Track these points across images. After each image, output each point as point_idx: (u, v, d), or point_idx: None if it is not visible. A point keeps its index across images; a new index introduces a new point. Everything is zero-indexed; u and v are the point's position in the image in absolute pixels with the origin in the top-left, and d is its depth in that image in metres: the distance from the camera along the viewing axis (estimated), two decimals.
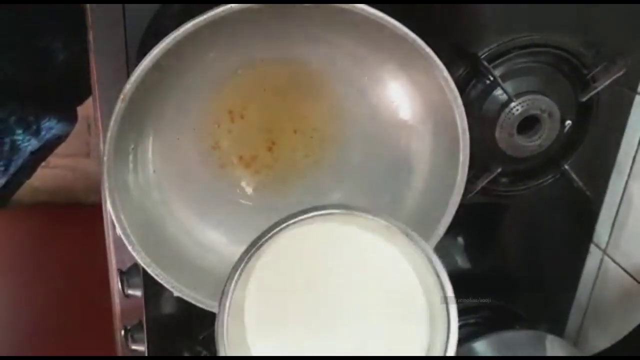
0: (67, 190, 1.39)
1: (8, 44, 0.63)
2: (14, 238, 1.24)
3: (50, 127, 0.69)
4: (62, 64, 0.68)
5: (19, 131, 0.65)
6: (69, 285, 1.19)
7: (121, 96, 0.43)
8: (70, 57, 0.69)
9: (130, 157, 0.49)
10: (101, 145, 0.57)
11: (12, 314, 1.17)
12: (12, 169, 0.68)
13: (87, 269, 1.07)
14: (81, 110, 1.32)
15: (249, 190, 0.57)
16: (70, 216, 1.34)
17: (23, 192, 1.39)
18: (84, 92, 0.70)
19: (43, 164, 1.38)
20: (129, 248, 0.48)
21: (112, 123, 0.43)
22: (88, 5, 0.52)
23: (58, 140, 0.70)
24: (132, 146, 0.48)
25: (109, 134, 0.44)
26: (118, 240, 0.60)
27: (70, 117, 0.71)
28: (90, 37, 0.54)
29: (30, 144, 0.66)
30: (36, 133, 0.67)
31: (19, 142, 0.66)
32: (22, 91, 0.65)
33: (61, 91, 0.71)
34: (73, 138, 1.35)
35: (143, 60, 0.42)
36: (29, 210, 1.32)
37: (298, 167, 0.56)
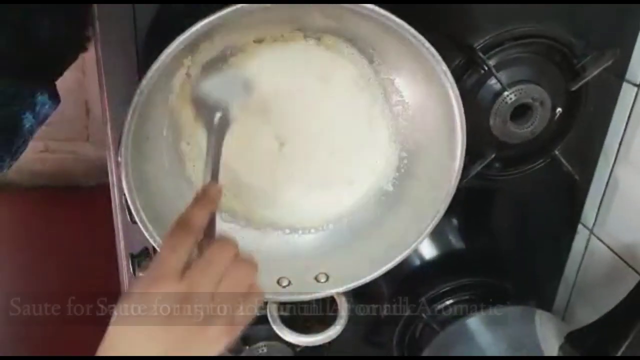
0: (66, 174, 1.40)
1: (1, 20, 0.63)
2: (15, 221, 1.25)
3: (44, 102, 0.69)
4: (46, 40, 0.68)
5: (17, 102, 0.65)
6: (71, 266, 1.20)
7: (138, 91, 0.44)
8: (55, 34, 0.69)
9: (146, 148, 0.51)
10: (109, 132, 0.58)
11: (16, 294, 1.18)
12: (14, 148, 0.69)
13: (88, 250, 1.09)
14: (80, 95, 1.32)
15: None
16: (70, 199, 1.35)
17: (23, 176, 1.41)
18: (63, 68, 0.71)
19: (42, 148, 1.39)
20: (146, 234, 0.50)
21: (129, 117, 0.45)
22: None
23: (45, 118, 0.71)
24: (147, 137, 0.50)
25: (126, 127, 0.45)
26: (127, 225, 0.63)
27: (57, 95, 0.72)
28: (97, 28, 0.55)
29: (26, 118, 0.66)
30: (31, 107, 0.67)
31: (16, 113, 0.66)
32: (16, 66, 0.66)
33: (47, 67, 0.72)
34: (72, 122, 1.36)
35: (161, 55, 0.43)
36: (29, 194, 1.33)
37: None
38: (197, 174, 0.56)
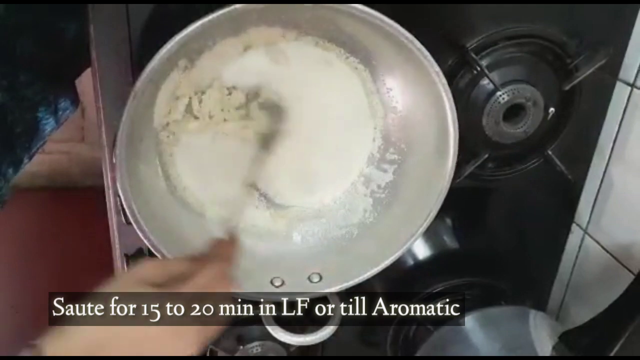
0: (63, 175, 1.40)
1: (29, 24, 0.63)
2: (14, 222, 1.25)
3: (66, 107, 0.70)
4: (72, 42, 0.68)
5: (41, 109, 0.66)
6: (70, 266, 1.20)
7: (132, 92, 0.45)
8: (80, 35, 0.69)
9: (140, 149, 0.51)
10: (103, 133, 0.58)
11: (14, 295, 1.18)
12: (33, 149, 0.69)
13: (87, 249, 1.09)
14: None
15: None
16: (67, 200, 1.35)
17: (21, 177, 1.40)
18: (82, 69, 0.71)
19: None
20: (140, 235, 0.50)
21: (123, 118, 0.45)
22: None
23: (64, 121, 0.71)
24: (142, 138, 0.50)
25: (120, 129, 0.45)
26: (122, 225, 0.63)
27: (77, 99, 0.71)
28: (91, 29, 0.55)
29: (48, 124, 0.66)
30: (55, 113, 0.67)
31: (39, 119, 0.66)
32: (43, 70, 0.66)
33: (71, 71, 0.72)
34: (67, 123, 1.36)
35: (154, 57, 0.44)
36: (28, 195, 1.32)
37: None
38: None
